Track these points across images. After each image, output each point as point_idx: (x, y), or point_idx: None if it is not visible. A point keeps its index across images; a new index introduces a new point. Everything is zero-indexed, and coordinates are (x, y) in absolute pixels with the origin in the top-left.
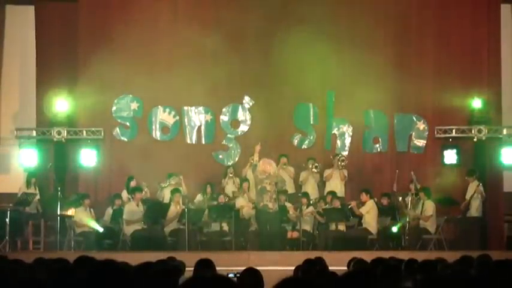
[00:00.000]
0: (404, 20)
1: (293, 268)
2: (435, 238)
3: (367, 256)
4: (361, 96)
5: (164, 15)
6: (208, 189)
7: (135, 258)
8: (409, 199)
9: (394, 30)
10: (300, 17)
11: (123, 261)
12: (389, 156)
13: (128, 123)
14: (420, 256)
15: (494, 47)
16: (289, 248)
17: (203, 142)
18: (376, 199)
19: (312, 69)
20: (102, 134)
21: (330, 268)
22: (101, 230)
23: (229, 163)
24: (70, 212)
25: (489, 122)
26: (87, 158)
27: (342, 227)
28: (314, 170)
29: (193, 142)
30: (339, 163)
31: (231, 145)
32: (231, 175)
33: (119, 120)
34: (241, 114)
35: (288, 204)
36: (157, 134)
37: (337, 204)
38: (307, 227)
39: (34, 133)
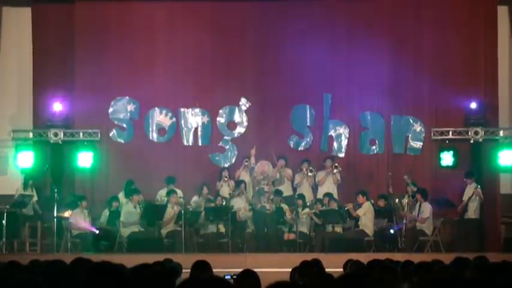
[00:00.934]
0: (401, 22)
1: (290, 270)
2: (432, 240)
3: (364, 258)
4: (357, 97)
5: (161, 17)
6: (205, 190)
7: (131, 260)
8: (405, 201)
9: (390, 32)
10: (297, 19)
11: (120, 263)
12: (386, 158)
13: (124, 125)
14: (417, 258)
15: (491, 49)
16: (286, 250)
17: (200, 144)
18: (372, 201)
19: (309, 71)
20: (99, 135)
21: (326, 270)
22: (96, 232)
23: (226, 165)
24: (67, 213)
25: (486, 123)
26: (84, 159)
27: (338, 228)
28: (309, 173)
29: (190, 144)
30: (333, 170)
31: (227, 147)
32: (226, 178)
33: (116, 122)
34: (238, 116)
35: (285, 206)
36: (153, 135)
37: (334, 206)
38: (304, 228)
39: (31, 135)
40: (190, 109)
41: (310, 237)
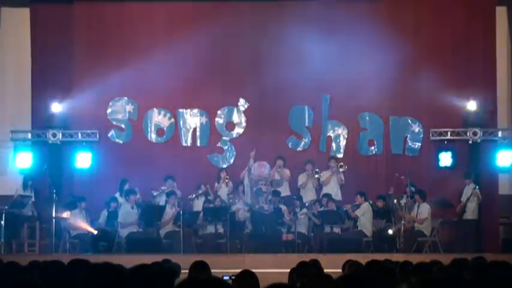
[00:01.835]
0: (400, 23)
1: (288, 270)
2: (430, 240)
3: (362, 258)
4: (356, 98)
5: (159, 17)
6: (203, 189)
7: (130, 261)
8: (404, 201)
9: (389, 33)
10: (295, 20)
11: (118, 264)
12: (385, 159)
13: (123, 126)
14: (415, 258)
15: (489, 50)
16: (285, 251)
17: (198, 144)
18: (371, 201)
19: (307, 71)
20: (97, 136)
21: (325, 270)
22: (95, 232)
23: (224, 165)
24: (65, 214)
25: (484, 124)
26: (82, 160)
27: (337, 229)
28: (315, 175)
29: (188, 144)
30: (339, 169)
31: (226, 147)
32: (226, 180)
33: (114, 123)
34: (236, 117)
35: (283, 207)
36: (152, 136)
37: (332, 206)
38: (303, 229)
39: (29, 135)
40: (188, 109)
41: (309, 238)
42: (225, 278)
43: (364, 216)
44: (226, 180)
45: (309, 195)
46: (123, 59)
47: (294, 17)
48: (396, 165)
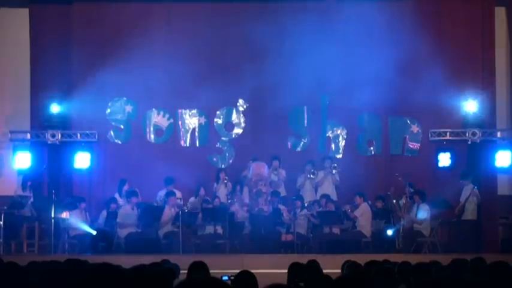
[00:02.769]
0: (399, 23)
1: (287, 271)
2: (429, 241)
3: (361, 259)
4: (355, 99)
5: (158, 18)
6: (202, 192)
7: (129, 261)
8: (403, 202)
9: (388, 34)
10: (295, 21)
11: (117, 264)
12: (384, 159)
13: (122, 126)
14: (414, 259)
15: (488, 50)
16: (283, 251)
17: (197, 145)
18: (370, 202)
19: (306, 72)
20: (96, 136)
21: (324, 271)
22: (94, 233)
23: (223, 166)
24: (64, 214)
25: (483, 125)
26: (81, 160)
27: (336, 229)
28: (311, 176)
29: (188, 145)
30: (332, 170)
31: (225, 148)
32: (225, 181)
33: (113, 123)
34: (236, 117)
35: (282, 207)
36: (151, 136)
37: (331, 207)
38: (301, 229)
39: (28, 136)
40: (187, 110)
41: (308, 239)
42: (224, 278)
43: (363, 216)
44: (225, 181)
45: (307, 196)
46: (122, 59)
47: (294, 18)
48: (395, 165)
